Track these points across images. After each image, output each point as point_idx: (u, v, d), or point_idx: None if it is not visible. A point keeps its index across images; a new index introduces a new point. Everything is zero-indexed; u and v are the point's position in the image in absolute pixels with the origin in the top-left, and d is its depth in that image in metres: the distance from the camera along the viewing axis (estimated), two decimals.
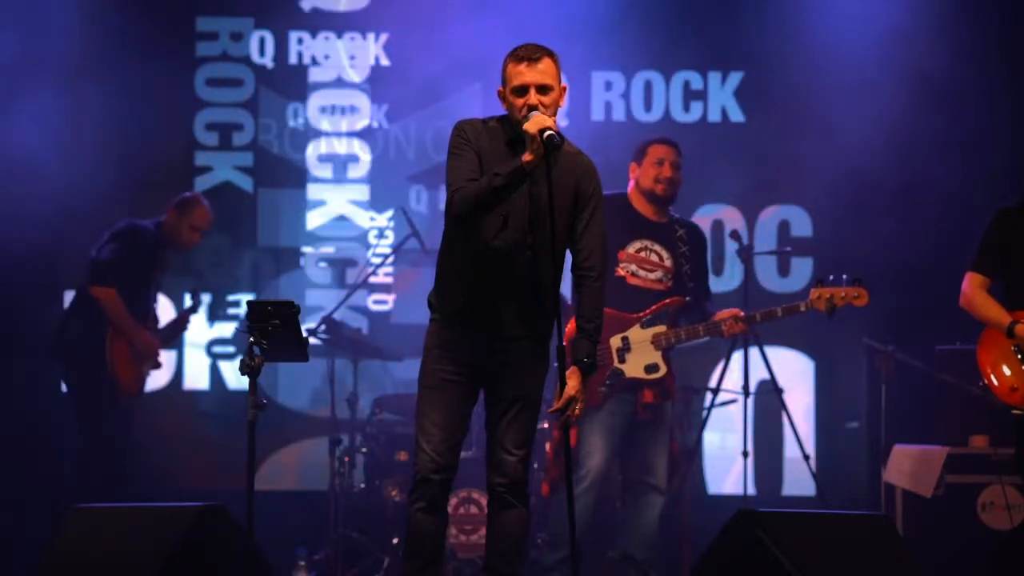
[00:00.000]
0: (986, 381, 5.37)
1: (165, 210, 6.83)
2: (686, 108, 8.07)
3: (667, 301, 6.01)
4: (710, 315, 6.05)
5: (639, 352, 5.98)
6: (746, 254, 6.66)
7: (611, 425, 5.99)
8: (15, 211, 7.27)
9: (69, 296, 7.06)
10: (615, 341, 5.97)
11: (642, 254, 6.07)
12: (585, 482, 5.96)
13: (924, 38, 7.63)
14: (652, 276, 6.06)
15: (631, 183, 6.16)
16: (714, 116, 8.07)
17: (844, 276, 6.00)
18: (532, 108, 4.40)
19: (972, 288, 5.41)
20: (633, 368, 5.98)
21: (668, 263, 6.09)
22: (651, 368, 5.97)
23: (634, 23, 7.87)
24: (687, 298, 6.08)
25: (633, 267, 6.06)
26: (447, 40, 7.67)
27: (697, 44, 8.02)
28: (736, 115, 8.07)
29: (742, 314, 6.02)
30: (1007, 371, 5.33)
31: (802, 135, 7.83)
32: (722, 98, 8.06)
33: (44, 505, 6.40)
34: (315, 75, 8.01)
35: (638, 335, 5.99)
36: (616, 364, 5.96)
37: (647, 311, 5.99)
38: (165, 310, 7.43)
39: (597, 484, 6.02)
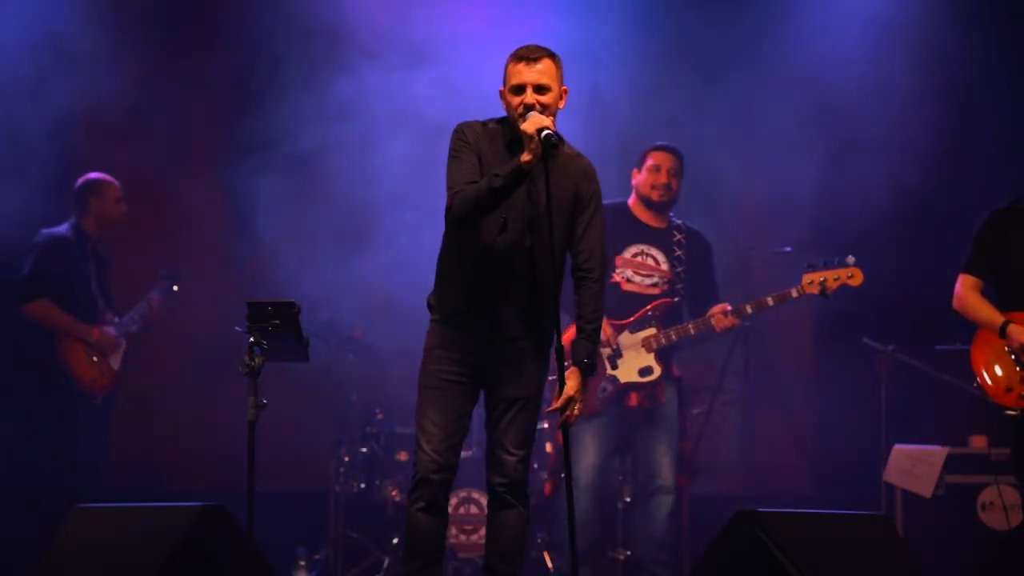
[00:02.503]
0: (980, 382, 5.36)
1: (72, 210, 6.79)
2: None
3: (651, 305, 6.07)
4: None
5: (631, 357, 6.04)
6: (746, 254, 6.67)
7: (602, 427, 6.05)
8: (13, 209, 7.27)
9: None
10: (606, 349, 6.01)
11: (638, 259, 6.12)
12: (579, 484, 5.98)
13: (926, 36, 7.63)
14: (648, 281, 6.11)
15: (633, 189, 6.23)
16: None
17: (836, 259, 5.98)
18: (529, 108, 4.41)
19: (965, 289, 5.40)
20: (626, 373, 6.05)
21: (664, 267, 6.12)
22: (645, 371, 6.04)
23: (631, 24, 7.87)
24: (675, 299, 6.12)
25: (629, 272, 6.10)
26: None
27: (699, 47, 8.02)
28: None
29: (729, 307, 6.04)
30: (1001, 371, 5.32)
31: (802, 135, 7.82)
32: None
33: (45, 505, 6.40)
34: None
35: (628, 340, 6.03)
36: (610, 371, 6.00)
37: (634, 316, 6.04)
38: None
39: (593, 486, 6.06)
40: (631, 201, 6.24)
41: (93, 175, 6.84)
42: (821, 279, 5.99)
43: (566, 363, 4.47)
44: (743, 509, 4.36)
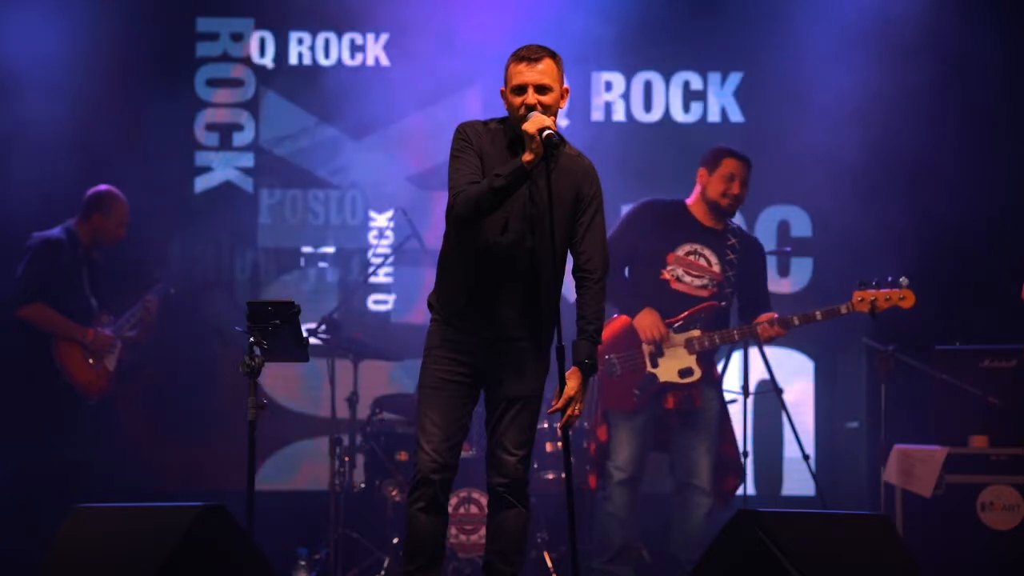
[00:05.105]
0: None
1: (76, 212, 6.82)
2: (686, 108, 8.07)
3: (698, 307, 6.05)
4: None
5: (673, 356, 6.03)
6: None
7: (639, 425, 6.04)
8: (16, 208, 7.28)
9: None
10: (648, 346, 5.99)
11: (691, 257, 6.09)
12: (613, 479, 6.00)
13: (925, 35, 7.62)
14: (697, 282, 6.09)
15: (697, 187, 6.18)
16: (713, 117, 8.06)
17: (889, 278, 5.98)
18: (530, 108, 4.41)
19: None
20: (666, 372, 6.04)
21: (716, 268, 6.11)
22: (685, 372, 6.03)
23: (634, 23, 7.86)
24: (722, 303, 6.10)
25: (679, 271, 6.07)
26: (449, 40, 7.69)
27: (697, 44, 8.01)
28: (736, 115, 8.06)
29: (776, 317, 6.04)
30: None
31: (802, 135, 7.82)
32: (722, 98, 8.06)
33: (43, 507, 6.41)
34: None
35: (671, 339, 6.01)
36: (649, 368, 5.98)
37: (679, 316, 6.02)
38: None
39: (630, 482, 6.06)
40: (691, 200, 6.19)
41: (106, 188, 6.87)
42: (872, 298, 5.97)
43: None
44: (743, 509, 4.36)
